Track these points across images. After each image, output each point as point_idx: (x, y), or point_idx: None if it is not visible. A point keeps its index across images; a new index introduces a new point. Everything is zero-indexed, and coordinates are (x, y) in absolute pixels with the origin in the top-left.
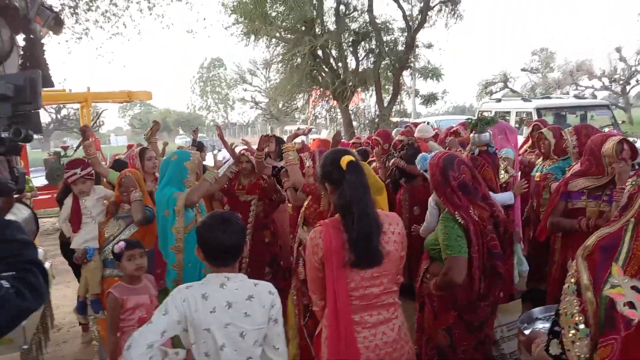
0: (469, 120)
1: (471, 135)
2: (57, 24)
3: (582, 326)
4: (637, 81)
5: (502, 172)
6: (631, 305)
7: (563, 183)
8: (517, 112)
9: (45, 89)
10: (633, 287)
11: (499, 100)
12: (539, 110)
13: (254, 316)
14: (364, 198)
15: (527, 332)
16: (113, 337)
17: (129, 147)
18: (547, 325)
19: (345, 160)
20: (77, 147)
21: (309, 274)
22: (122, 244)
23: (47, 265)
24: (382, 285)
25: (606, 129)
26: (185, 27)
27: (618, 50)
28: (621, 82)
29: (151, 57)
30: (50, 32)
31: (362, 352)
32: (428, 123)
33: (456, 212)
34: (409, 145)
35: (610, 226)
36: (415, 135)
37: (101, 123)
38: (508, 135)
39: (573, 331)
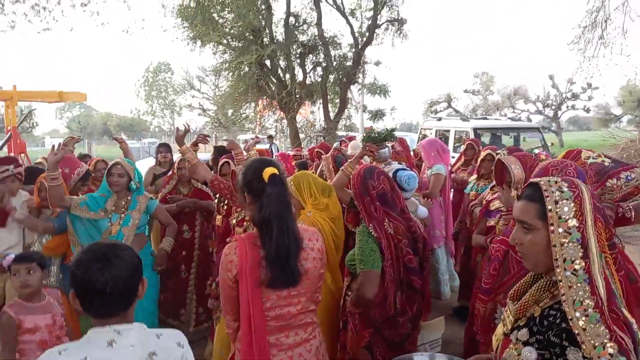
0: (366, 135)
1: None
2: None
3: None
4: (567, 107)
5: None
6: None
7: (487, 202)
8: (456, 131)
9: None
10: None
11: (439, 119)
12: (475, 130)
13: None
14: (284, 214)
15: None
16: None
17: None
18: None
19: (267, 172)
20: (1, 147)
21: (222, 293)
22: (10, 257)
23: None
24: (300, 304)
25: (536, 151)
26: (122, 27)
27: (550, 77)
28: (553, 107)
29: (94, 58)
30: None
31: None
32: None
33: (370, 225)
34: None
35: (592, 274)
36: (349, 152)
37: (34, 124)
38: (441, 154)
39: None
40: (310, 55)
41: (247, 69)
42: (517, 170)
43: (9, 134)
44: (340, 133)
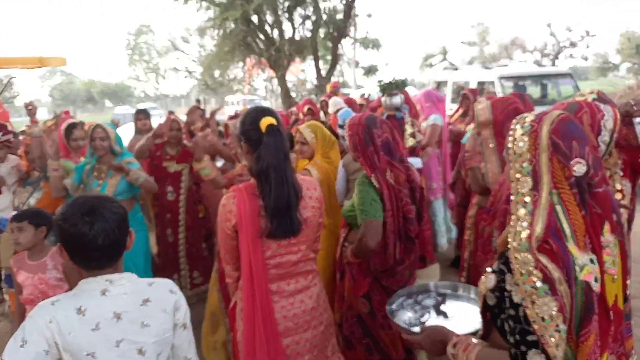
0: (380, 84)
1: (382, 99)
2: None
3: (562, 326)
4: (565, 56)
5: (409, 137)
6: (596, 279)
7: None
8: (478, 82)
9: None
10: (591, 260)
11: (456, 69)
12: (501, 79)
13: (154, 325)
14: (282, 164)
15: (396, 319)
16: (20, 307)
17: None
18: (410, 313)
19: (265, 122)
20: None
21: (221, 244)
22: (11, 215)
23: None
24: (300, 253)
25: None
26: None
27: (548, 25)
28: (551, 57)
29: (74, 23)
30: None
31: (279, 321)
32: (367, 95)
33: (372, 175)
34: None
35: (537, 208)
36: (329, 110)
37: (15, 94)
38: (436, 103)
39: (556, 335)
40: (299, 9)
41: (232, 25)
42: (482, 114)
43: None
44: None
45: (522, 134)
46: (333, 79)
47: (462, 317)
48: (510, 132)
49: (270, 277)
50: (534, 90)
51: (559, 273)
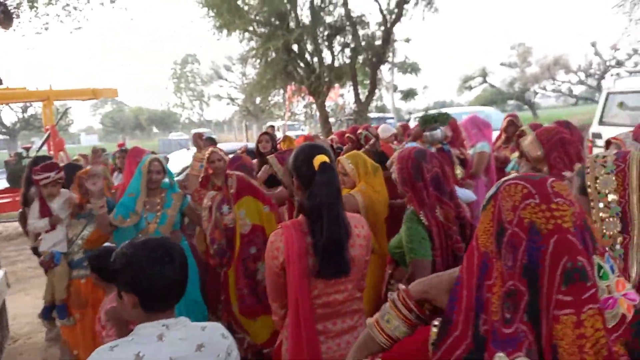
0: (420, 118)
1: (424, 133)
2: (6, 18)
3: None
4: (611, 75)
5: (457, 167)
6: None
7: None
8: None
9: None
10: None
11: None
12: None
13: None
14: (335, 202)
15: None
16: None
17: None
18: None
19: (318, 160)
20: (40, 147)
21: (268, 281)
22: None
23: (0, 273)
24: (347, 292)
25: None
26: (153, 22)
27: (593, 44)
28: (596, 76)
29: (123, 54)
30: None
31: None
32: (410, 120)
33: (421, 212)
34: (373, 152)
35: (630, 250)
36: (381, 136)
37: (69, 122)
38: (483, 130)
39: None
40: (338, 37)
41: (274, 54)
42: (531, 149)
43: (47, 132)
44: (372, 115)
45: (607, 173)
46: (372, 104)
47: None
48: (588, 171)
49: (316, 316)
50: None
51: None
